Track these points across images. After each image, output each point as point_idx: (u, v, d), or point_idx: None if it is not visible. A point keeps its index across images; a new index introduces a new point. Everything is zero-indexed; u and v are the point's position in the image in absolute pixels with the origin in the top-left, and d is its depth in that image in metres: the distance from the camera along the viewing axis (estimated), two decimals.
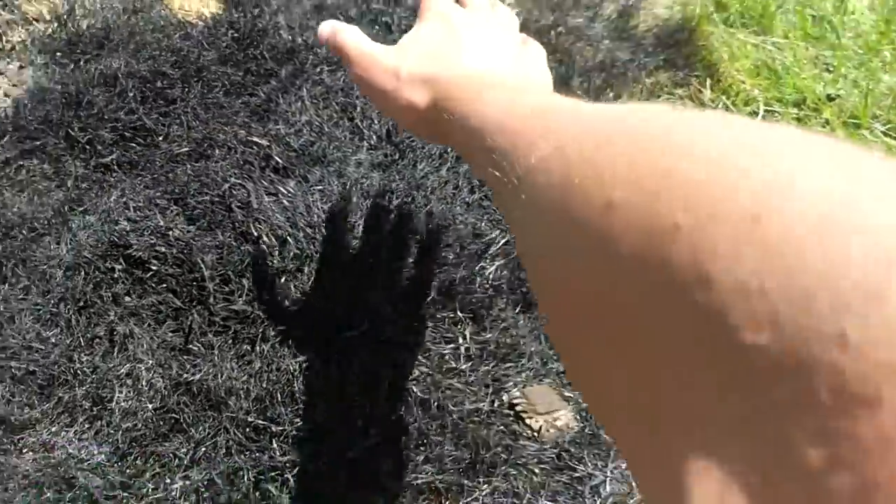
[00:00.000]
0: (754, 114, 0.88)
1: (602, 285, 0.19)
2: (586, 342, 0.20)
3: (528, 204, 0.24)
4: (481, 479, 0.57)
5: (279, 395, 0.56)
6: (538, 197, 0.23)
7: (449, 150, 0.81)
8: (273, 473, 0.53)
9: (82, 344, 0.61)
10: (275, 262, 0.66)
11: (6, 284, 0.64)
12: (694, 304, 0.15)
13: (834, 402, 0.13)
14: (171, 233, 0.67)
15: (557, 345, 0.24)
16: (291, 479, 0.53)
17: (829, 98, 0.90)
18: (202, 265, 0.64)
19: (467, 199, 0.76)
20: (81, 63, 0.85)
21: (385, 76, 0.45)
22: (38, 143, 0.76)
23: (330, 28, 0.50)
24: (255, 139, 0.78)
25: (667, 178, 0.17)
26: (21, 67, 0.90)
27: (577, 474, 0.58)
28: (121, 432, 0.55)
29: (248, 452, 0.54)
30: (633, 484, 0.60)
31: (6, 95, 0.86)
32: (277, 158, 0.76)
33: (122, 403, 0.57)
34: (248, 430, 0.55)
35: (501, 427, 0.61)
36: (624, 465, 0.61)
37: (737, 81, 0.90)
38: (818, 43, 0.99)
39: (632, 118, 0.21)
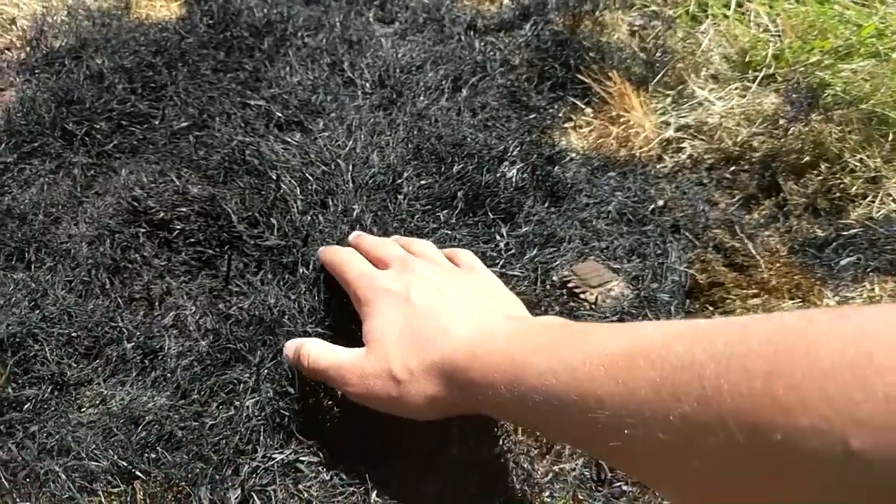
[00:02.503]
0: None
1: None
2: None
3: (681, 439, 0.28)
4: None
5: (333, 303, 0.55)
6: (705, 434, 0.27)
7: (444, 81, 0.81)
8: None
9: (121, 305, 0.59)
10: (298, 200, 0.65)
11: (31, 269, 0.62)
12: None
13: None
14: (189, 191, 0.66)
15: None
16: None
17: None
18: (230, 212, 0.63)
19: (472, 122, 0.77)
20: (63, 72, 0.85)
21: (381, 383, 0.42)
22: (35, 144, 0.75)
23: (293, 349, 0.49)
24: (252, 102, 0.78)
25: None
26: (1, 90, 0.89)
27: None
28: (179, 371, 0.53)
29: None
30: None
31: None
32: (279, 114, 0.76)
33: (174, 349, 0.55)
34: None
35: (556, 307, 0.60)
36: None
37: None
38: None
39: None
